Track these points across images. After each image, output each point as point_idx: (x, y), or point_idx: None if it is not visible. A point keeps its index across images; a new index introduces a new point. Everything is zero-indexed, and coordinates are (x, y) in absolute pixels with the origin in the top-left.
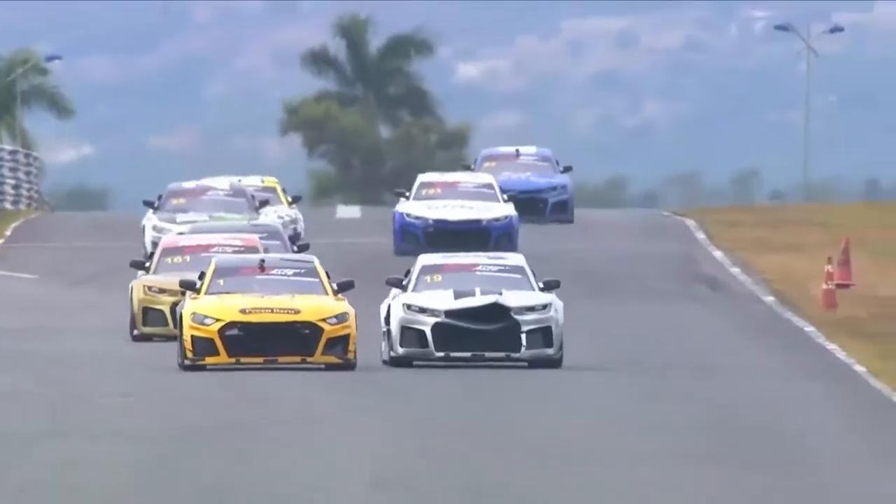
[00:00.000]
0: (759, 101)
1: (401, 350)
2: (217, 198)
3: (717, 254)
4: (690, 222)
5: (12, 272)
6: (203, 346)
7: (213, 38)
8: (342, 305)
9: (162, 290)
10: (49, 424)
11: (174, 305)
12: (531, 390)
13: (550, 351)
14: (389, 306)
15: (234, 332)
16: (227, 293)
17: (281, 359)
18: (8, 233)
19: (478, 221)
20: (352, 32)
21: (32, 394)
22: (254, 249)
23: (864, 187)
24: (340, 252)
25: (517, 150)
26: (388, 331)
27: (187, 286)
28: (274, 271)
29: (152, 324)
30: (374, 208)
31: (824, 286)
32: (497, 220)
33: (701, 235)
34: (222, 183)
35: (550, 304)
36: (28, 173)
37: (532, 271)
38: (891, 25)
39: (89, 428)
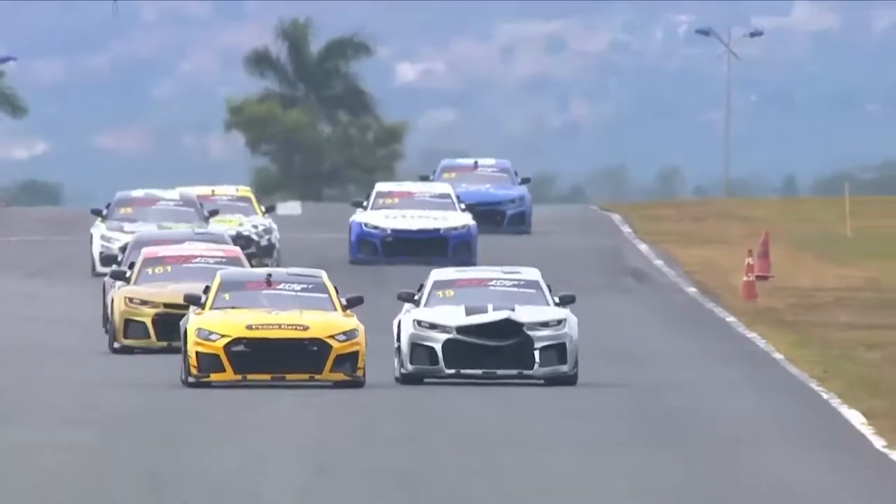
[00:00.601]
0: (681, 101)
1: (411, 367)
2: (166, 207)
3: (643, 247)
4: (616, 217)
5: None
6: (208, 363)
7: (160, 38)
8: (351, 322)
9: (144, 302)
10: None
11: (156, 317)
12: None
13: (565, 368)
14: (400, 321)
15: (241, 348)
16: (234, 308)
17: (289, 376)
18: None
19: (436, 231)
20: (293, 35)
21: None
22: (236, 260)
23: (782, 184)
24: (284, 246)
25: (476, 162)
26: (399, 347)
27: (192, 301)
28: (281, 286)
29: (133, 336)
30: (315, 204)
31: (745, 278)
32: (455, 228)
33: (627, 229)
34: (171, 193)
35: (565, 319)
36: None
37: (548, 286)
38: (807, 27)
39: (38, 413)
